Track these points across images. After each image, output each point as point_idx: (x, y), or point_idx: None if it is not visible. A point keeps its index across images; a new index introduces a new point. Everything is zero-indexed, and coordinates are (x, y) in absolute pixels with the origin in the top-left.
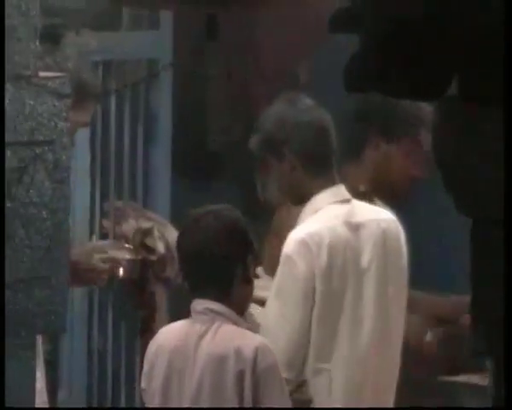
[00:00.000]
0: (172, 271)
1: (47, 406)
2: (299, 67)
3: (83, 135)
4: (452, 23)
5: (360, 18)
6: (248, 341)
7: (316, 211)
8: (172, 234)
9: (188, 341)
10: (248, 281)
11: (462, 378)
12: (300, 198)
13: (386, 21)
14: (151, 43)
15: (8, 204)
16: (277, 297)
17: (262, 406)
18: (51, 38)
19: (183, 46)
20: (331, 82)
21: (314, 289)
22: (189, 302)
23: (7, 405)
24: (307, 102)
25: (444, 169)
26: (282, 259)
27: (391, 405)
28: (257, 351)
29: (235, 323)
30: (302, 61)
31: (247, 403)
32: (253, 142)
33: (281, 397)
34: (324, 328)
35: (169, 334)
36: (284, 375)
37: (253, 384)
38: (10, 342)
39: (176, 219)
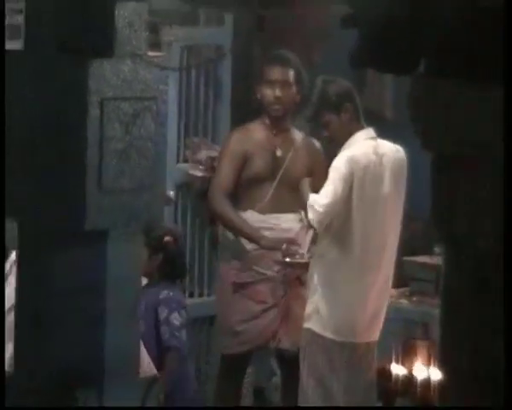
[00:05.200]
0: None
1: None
2: (314, 53)
3: (173, 95)
4: (423, 21)
5: (360, 20)
6: None
7: (355, 143)
8: None
9: None
10: None
11: (418, 259)
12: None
13: (377, 21)
14: (218, 34)
15: (126, 138)
16: (325, 186)
17: None
18: (153, 29)
19: (241, 37)
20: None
21: (352, 186)
22: None
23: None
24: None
25: (415, 122)
26: (330, 171)
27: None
28: None
29: None
30: (316, 48)
31: None
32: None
33: None
34: (359, 214)
35: None
36: (315, 225)
37: None
38: (125, 231)
39: None
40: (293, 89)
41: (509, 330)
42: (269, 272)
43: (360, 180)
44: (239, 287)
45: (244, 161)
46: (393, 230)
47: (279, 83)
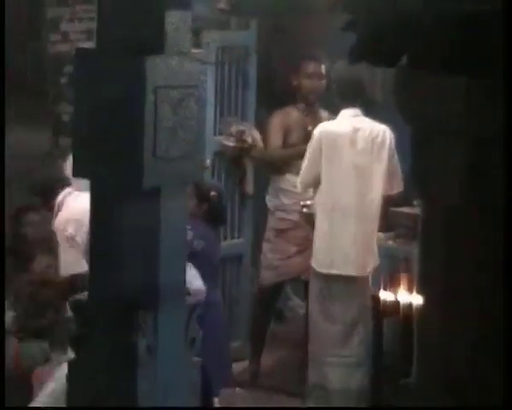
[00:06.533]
0: (255, 153)
1: None
2: (320, 49)
3: (211, 84)
4: (405, 26)
5: (357, 25)
6: None
7: (340, 118)
8: (256, 133)
9: None
10: None
11: (401, 209)
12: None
13: (371, 26)
14: (246, 36)
15: (174, 118)
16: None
17: None
18: (195, 32)
19: (263, 38)
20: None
21: (321, 152)
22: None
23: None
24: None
25: (399, 103)
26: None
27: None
28: None
29: None
30: (322, 46)
31: None
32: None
33: None
34: (325, 174)
35: None
36: (299, 189)
37: None
38: (174, 189)
39: (257, 126)
40: (324, 80)
41: (509, 328)
42: (301, 221)
43: (330, 147)
44: (280, 232)
45: (284, 134)
46: (371, 188)
47: (316, 76)
